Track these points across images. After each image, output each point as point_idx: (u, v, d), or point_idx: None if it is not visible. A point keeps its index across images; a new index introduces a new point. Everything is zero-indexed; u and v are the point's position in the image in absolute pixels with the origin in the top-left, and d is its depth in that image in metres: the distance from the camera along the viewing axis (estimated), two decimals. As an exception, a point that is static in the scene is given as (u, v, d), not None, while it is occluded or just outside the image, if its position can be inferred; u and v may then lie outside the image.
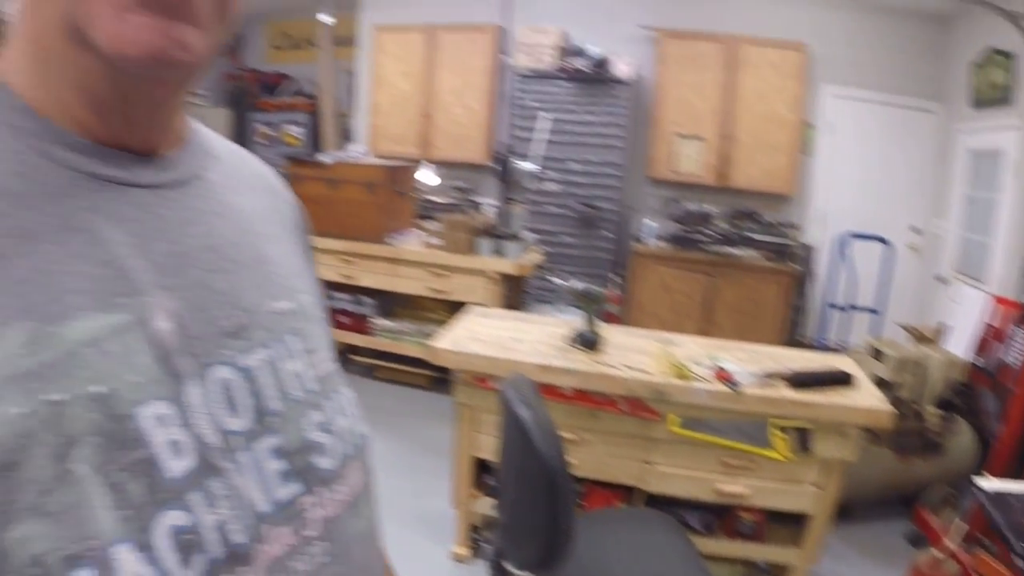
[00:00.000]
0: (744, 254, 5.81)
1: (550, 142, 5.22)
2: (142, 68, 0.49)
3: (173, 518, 0.47)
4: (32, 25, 0.51)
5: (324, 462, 0.60)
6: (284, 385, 0.59)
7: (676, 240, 5.95)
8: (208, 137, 0.67)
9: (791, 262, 5.78)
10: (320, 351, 0.65)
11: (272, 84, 8.34)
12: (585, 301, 2.96)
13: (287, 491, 0.56)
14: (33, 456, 0.42)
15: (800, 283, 5.85)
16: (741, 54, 5.91)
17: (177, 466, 0.48)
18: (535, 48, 6.21)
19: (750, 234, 5.92)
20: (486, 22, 6.51)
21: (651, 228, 6.09)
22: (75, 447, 0.44)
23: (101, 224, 0.51)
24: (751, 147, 5.95)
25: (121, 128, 0.53)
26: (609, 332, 3.11)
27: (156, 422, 0.48)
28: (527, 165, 4.50)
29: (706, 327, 5.69)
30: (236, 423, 0.54)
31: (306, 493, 0.58)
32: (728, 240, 5.89)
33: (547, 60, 6.17)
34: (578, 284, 3.04)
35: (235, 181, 0.66)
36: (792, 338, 5.74)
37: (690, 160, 6.06)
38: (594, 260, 6.04)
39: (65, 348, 0.45)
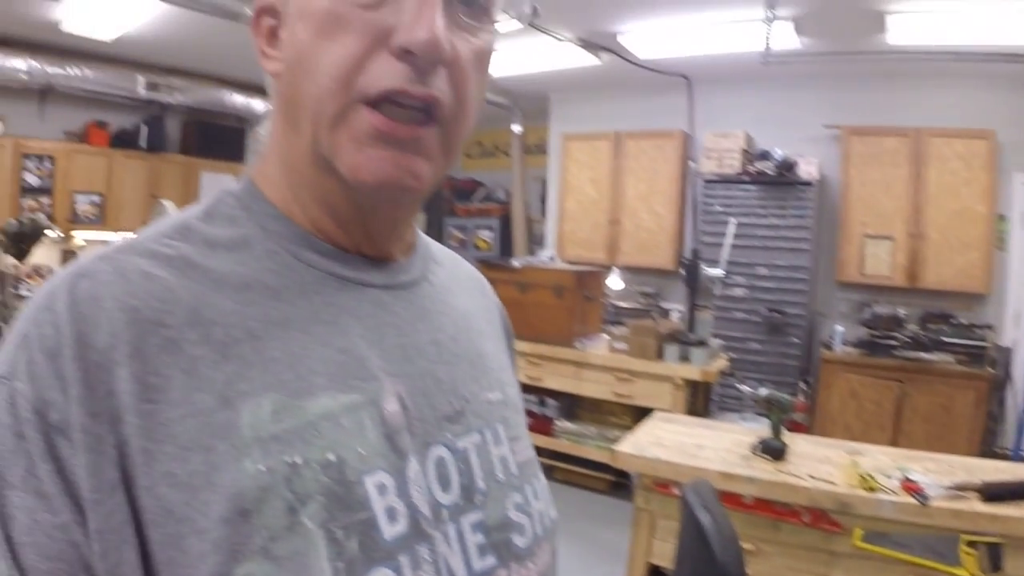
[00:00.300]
0: (937, 359, 5.46)
1: (736, 246, 5.21)
2: (377, 193, 0.60)
3: (383, 575, 0.54)
4: (285, 149, 0.63)
5: (520, 540, 0.66)
6: (491, 467, 0.66)
7: (865, 345, 5.69)
8: (430, 244, 0.78)
9: (987, 366, 5.38)
10: (522, 439, 0.72)
11: (466, 190, 8.78)
12: (771, 408, 2.93)
13: (484, 564, 0.62)
14: (269, 507, 0.50)
15: (997, 389, 5.42)
16: (927, 147, 5.70)
17: (391, 530, 0.55)
18: (720, 153, 6.30)
19: (943, 337, 5.55)
20: (672, 128, 6.68)
21: (840, 333, 5.86)
22: (306, 504, 0.52)
23: (342, 318, 0.61)
24: (942, 244, 5.65)
25: (361, 239, 0.65)
26: (795, 441, 3.05)
27: (378, 490, 0.56)
28: (714, 270, 4.52)
29: (896, 437, 5.34)
30: (446, 497, 0.61)
31: (501, 567, 0.63)
32: (919, 344, 5.55)
33: (732, 164, 6.23)
34: (764, 391, 3.01)
35: (454, 283, 0.77)
36: (988, 449, 5.28)
37: (879, 261, 5.84)
38: (781, 367, 5.88)
39: (306, 419, 0.54)
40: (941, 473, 2.72)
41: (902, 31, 5.02)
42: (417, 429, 0.60)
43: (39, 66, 6.25)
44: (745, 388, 3.36)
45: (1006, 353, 5.51)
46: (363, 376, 0.59)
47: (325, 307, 0.61)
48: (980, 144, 5.57)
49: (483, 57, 0.62)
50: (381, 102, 0.57)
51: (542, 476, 0.74)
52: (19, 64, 6.16)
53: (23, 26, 5.90)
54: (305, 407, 0.55)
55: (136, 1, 5.10)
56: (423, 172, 0.60)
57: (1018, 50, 4.96)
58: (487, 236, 8.17)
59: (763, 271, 6.03)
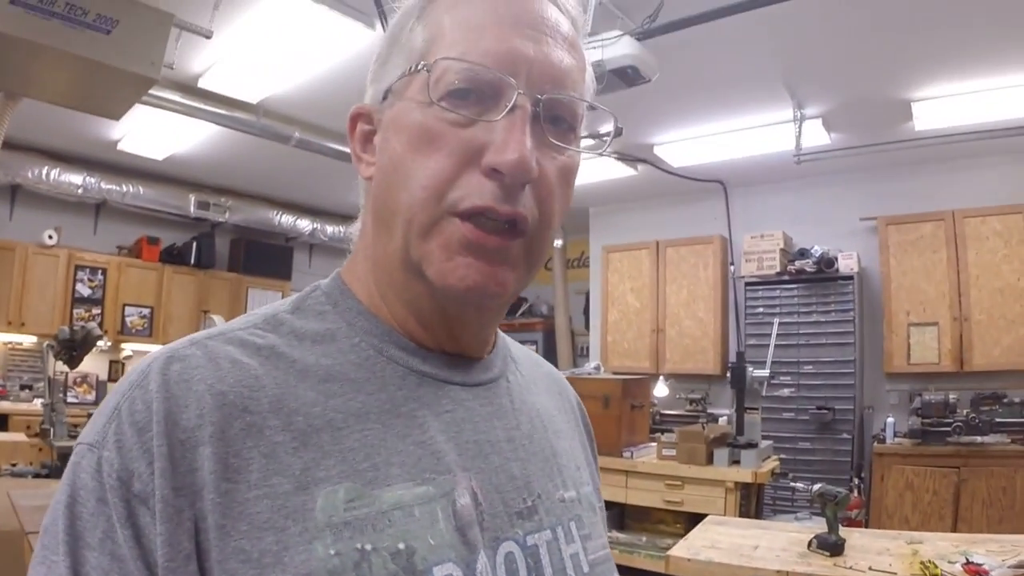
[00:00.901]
0: (992, 441, 5.30)
1: (781, 345, 5.22)
2: (464, 298, 0.62)
3: None
4: (375, 249, 0.67)
5: None
6: (561, 565, 0.65)
7: (918, 435, 5.53)
8: (510, 344, 0.80)
9: None
10: (595, 538, 0.72)
11: (510, 305, 8.90)
12: (826, 504, 2.85)
13: None
14: None
15: None
16: (963, 228, 5.73)
17: None
18: (760, 254, 6.37)
19: (996, 418, 5.40)
20: (710, 234, 6.75)
21: (891, 425, 5.75)
22: None
23: (421, 412, 0.63)
24: (987, 324, 5.59)
25: (444, 339, 0.67)
26: (852, 535, 2.95)
27: None
28: (761, 372, 4.47)
29: (956, 525, 5.14)
30: None
31: None
32: (973, 428, 5.37)
33: (772, 265, 6.28)
34: (818, 487, 2.94)
35: (532, 382, 0.78)
36: None
37: (925, 348, 5.78)
38: (833, 464, 5.76)
39: (379, 508, 0.56)
40: (1005, 554, 2.61)
41: (928, 117, 5.13)
42: (488, 524, 0.61)
43: (95, 182, 6.57)
44: (799, 485, 3.29)
45: None
46: (438, 469, 0.61)
47: (404, 401, 0.63)
48: (1016, 219, 5.59)
49: (567, 173, 0.65)
50: (471, 216, 0.60)
51: (615, 571, 0.74)
52: (76, 179, 6.49)
53: (82, 143, 6.24)
54: (379, 496, 0.57)
55: (188, 122, 5.34)
56: (507, 280, 0.62)
57: None
58: (531, 350, 8.20)
59: (809, 368, 6.00)
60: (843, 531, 2.87)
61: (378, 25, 4.05)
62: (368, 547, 0.54)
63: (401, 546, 0.55)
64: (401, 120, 0.63)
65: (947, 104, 4.94)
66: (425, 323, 0.66)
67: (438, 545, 0.57)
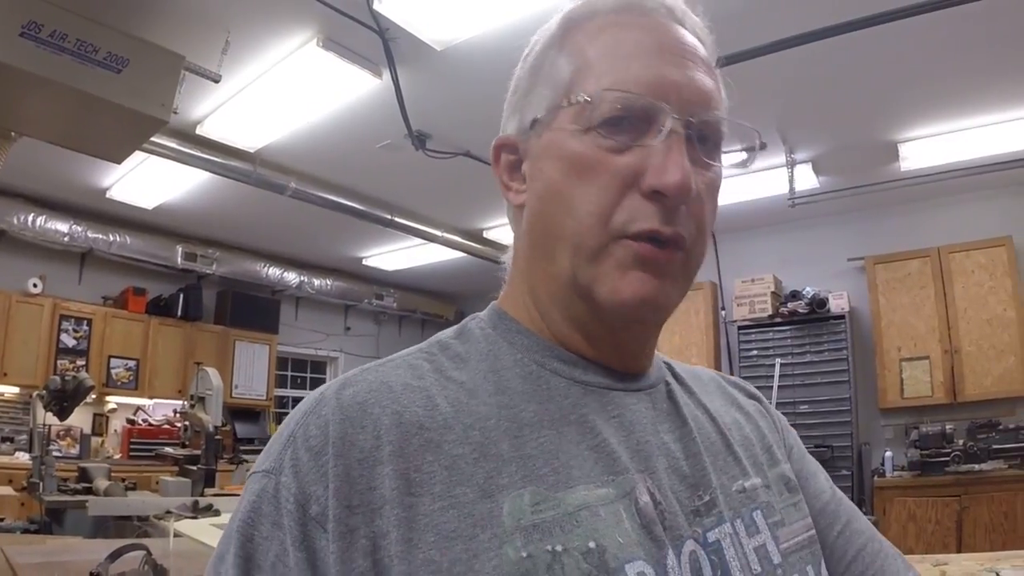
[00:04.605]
0: (990, 467, 5.40)
1: (778, 387, 5.26)
2: (635, 311, 0.64)
3: None
4: (533, 273, 0.70)
5: None
6: (744, 560, 0.64)
7: (917, 467, 5.63)
8: (663, 357, 0.80)
9: None
10: (789, 523, 0.70)
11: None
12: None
13: None
14: None
15: None
16: (949, 263, 5.92)
17: None
18: (751, 298, 6.48)
19: (993, 445, 5.50)
20: (700, 280, 6.79)
21: (889, 459, 5.83)
22: None
23: (590, 418, 0.64)
24: (977, 355, 5.75)
25: (609, 354, 0.69)
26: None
27: None
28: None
29: (961, 552, 5.17)
30: None
31: None
32: (971, 456, 5.49)
33: (764, 308, 6.39)
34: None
35: (693, 383, 0.79)
36: None
37: (918, 382, 5.90)
38: (835, 501, 5.75)
39: (565, 510, 0.56)
40: (1035, 567, 2.61)
41: (915, 157, 5.32)
42: (669, 522, 0.61)
43: (81, 230, 6.50)
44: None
45: None
46: (616, 470, 0.61)
47: (573, 408, 0.64)
48: (999, 252, 5.79)
49: (715, 188, 0.68)
50: (641, 237, 0.62)
51: (820, 555, 0.72)
52: (62, 227, 6.41)
53: (69, 190, 6.20)
54: (563, 499, 0.57)
55: (181, 170, 5.34)
56: (672, 292, 0.65)
57: (1022, 156, 5.22)
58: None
59: (805, 408, 6.08)
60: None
61: (385, 73, 4.11)
62: (559, 548, 0.54)
63: (592, 545, 0.55)
64: (556, 149, 0.65)
65: (933, 144, 5.13)
66: (591, 339, 0.68)
67: (627, 543, 0.57)
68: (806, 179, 5.67)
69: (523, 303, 0.71)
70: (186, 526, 3.26)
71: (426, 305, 9.93)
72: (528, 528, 0.54)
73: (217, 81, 4.04)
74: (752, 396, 0.87)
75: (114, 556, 2.20)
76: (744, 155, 0.75)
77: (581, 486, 0.59)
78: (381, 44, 3.81)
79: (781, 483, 0.74)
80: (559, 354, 0.68)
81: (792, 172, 5.51)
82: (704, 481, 0.66)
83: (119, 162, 4.56)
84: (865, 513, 3.44)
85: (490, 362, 0.66)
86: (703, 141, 0.65)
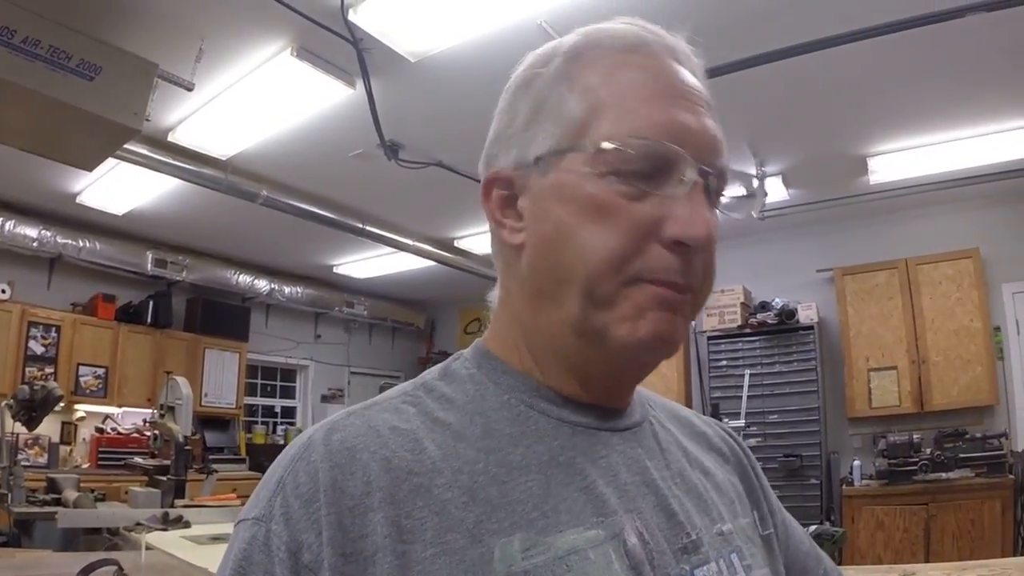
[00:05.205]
0: (957, 476, 5.51)
1: (747, 396, 5.33)
2: (651, 349, 0.64)
3: None
4: (532, 319, 0.68)
5: None
6: None
7: (885, 475, 5.73)
8: (641, 389, 0.79)
9: (1007, 473, 5.41)
10: (756, 569, 0.71)
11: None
12: (823, 543, 2.88)
13: None
14: None
15: (1021, 492, 5.36)
16: (916, 275, 6.02)
17: None
18: (721, 309, 6.55)
19: (960, 454, 5.61)
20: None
21: (857, 467, 5.92)
22: None
23: (578, 459, 0.64)
24: (944, 365, 5.86)
25: (601, 396, 0.69)
26: (847, 572, 2.97)
27: None
28: (736, 423, 4.55)
29: (929, 560, 5.25)
30: None
31: None
32: (938, 465, 5.58)
33: (734, 318, 6.46)
34: (814, 527, 2.97)
35: (671, 422, 0.80)
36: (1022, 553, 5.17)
37: (886, 392, 6.00)
38: (803, 509, 5.83)
39: (555, 554, 0.56)
40: (998, 577, 2.66)
41: (884, 171, 5.42)
42: (657, 561, 0.61)
43: (50, 235, 6.40)
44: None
45: (1023, 457, 5.54)
46: (604, 512, 0.61)
47: (561, 450, 0.64)
48: (966, 263, 5.90)
49: (717, 231, 0.67)
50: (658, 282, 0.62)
51: None
52: (31, 232, 6.31)
53: (39, 195, 6.10)
54: (553, 543, 0.57)
55: (153, 176, 5.30)
56: (681, 329, 0.65)
57: (988, 170, 5.36)
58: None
59: (775, 417, 6.16)
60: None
61: (359, 83, 4.11)
62: None
63: None
64: (569, 191, 0.63)
65: (902, 158, 5.22)
66: (585, 381, 0.68)
67: None
68: (776, 191, 5.74)
69: (513, 344, 0.70)
70: (157, 539, 3.24)
71: (397, 313, 9.89)
72: (519, 574, 0.55)
73: (190, 89, 4.02)
74: (730, 436, 0.89)
75: (86, 571, 2.18)
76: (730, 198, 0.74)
77: (570, 529, 0.59)
78: (355, 54, 3.81)
79: (746, 533, 0.75)
80: (546, 394, 0.67)
81: (762, 185, 5.57)
82: (690, 521, 0.67)
83: (90, 170, 4.52)
84: (833, 522, 3.50)
85: (476, 403, 0.66)
86: (712, 188, 0.65)
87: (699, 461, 0.77)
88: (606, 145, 0.62)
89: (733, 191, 0.70)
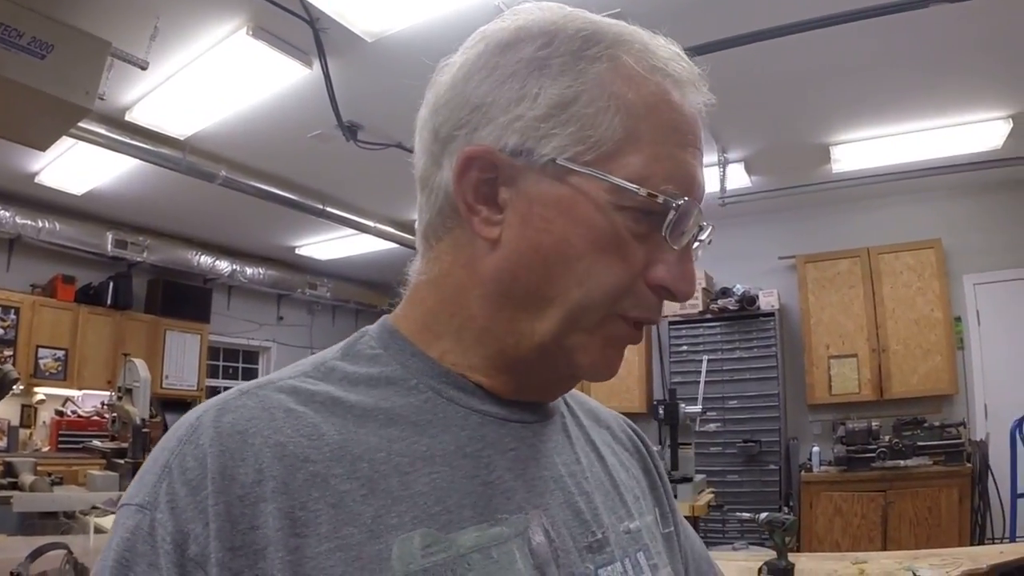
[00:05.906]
0: (915, 463, 5.59)
1: (707, 382, 5.34)
2: (597, 377, 0.64)
3: None
4: (485, 322, 0.63)
5: None
6: None
7: (844, 462, 5.80)
8: None
9: (965, 462, 5.51)
10: (662, 568, 0.70)
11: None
12: (774, 531, 2.89)
13: None
14: None
15: (978, 482, 5.46)
16: (878, 264, 6.09)
17: None
18: (683, 295, 6.52)
19: (918, 442, 5.69)
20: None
21: (816, 454, 5.98)
22: None
23: (486, 451, 0.61)
24: (904, 354, 5.94)
25: (526, 392, 0.67)
26: (799, 560, 3.01)
27: None
28: (693, 408, 4.56)
29: (886, 546, 5.35)
30: None
31: None
32: (897, 452, 5.66)
33: (695, 304, 6.45)
34: (765, 514, 2.99)
35: (584, 416, 0.78)
36: (979, 541, 5.26)
37: (846, 379, 6.07)
38: (762, 494, 5.92)
39: (456, 552, 0.55)
40: (948, 566, 2.71)
41: (847, 160, 5.45)
42: (562, 560, 0.60)
43: (9, 216, 6.29)
44: (744, 515, 3.33)
45: (981, 446, 5.60)
46: (509, 508, 0.60)
47: (469, 441, 0.61)
48: (928, 254, 5.98)
49: None
50: (636, 323, 0.63)
51: None
52: (-12, 212, 6.17)
53: (-5, 175, 5.96)
54: (455, 540, 0.55)
55: (111, 156, 5.20)
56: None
57: (952, 161, 5.41)
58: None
59: (734, 403, 6.21)
60: (791, 556, 2.93)
61: (316, 64, 4.06)
62: None
63: None
64: (582, 213, 0.59)
65: (865, 147, 5.26)
66: (516, 383, 0.66)
67: None
68: (738, 178, 5.76)
69: (432, 328, 0.66)
70: (108, 522, 3.21)
71: (360, 295, 9.84)
72: (418, 573, 0.53)
73: (144, 68, 3.95)
74: (635, 434, 0.87)
75: (34, 555, 2.17)
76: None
77: (473, 526, 0.57)
78: (312, 34, 3.76)
79: (651, 531, 0.74)
80: (456, 381, 0.64)
81: (724, 171, 5.59)
82: (596, 519, 0.65)
83: (43, 149, 4.43)
84: (791, 508, 3.50)
85: (381, 388, 0.62)
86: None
87: (607, 456, 0.76)
88: (636, 187, 0.58)
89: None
